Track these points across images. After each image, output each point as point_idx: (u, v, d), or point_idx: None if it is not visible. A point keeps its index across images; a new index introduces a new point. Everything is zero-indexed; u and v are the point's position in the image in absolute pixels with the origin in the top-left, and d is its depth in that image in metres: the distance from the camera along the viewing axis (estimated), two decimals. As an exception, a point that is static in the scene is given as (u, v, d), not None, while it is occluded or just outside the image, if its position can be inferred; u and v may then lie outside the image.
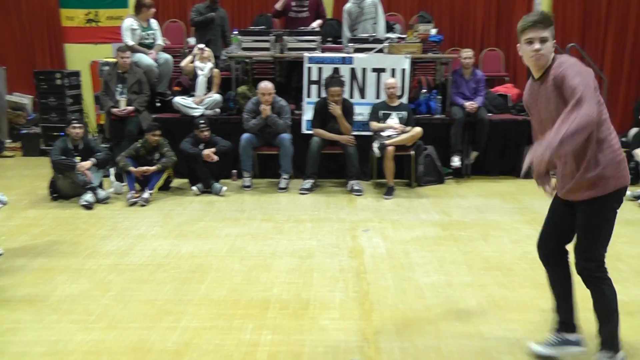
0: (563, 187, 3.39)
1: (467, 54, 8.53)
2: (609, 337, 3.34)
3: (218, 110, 8.55)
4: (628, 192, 7.21)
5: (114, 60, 8.56)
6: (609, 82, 11.31)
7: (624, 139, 9.22)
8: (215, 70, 8.66)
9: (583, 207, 3.27)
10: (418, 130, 7.64)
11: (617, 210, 3.26)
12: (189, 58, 8.63)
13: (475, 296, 4.44)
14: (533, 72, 3.25)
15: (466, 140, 8.47)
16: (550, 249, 3.51)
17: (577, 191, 3.26)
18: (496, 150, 8.58)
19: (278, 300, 4.38)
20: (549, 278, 3.56)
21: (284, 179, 7.91)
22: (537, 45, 3.10)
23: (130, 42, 8.60)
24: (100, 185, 7.36)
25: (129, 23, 8.74)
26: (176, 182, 7.98)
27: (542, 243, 3.54)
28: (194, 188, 7.62)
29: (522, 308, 4.25)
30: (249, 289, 4.58)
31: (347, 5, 9.18)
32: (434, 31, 9.62)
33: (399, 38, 9.03)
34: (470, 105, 8.25)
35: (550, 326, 3.63)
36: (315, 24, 9.27)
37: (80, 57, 11.41)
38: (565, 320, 3.55)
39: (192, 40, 9.84)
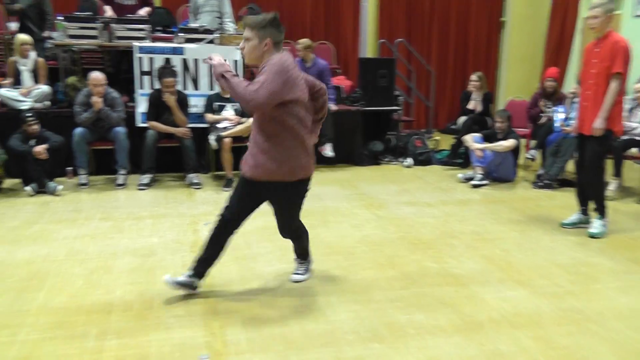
0: None
1: (303, 41, 8.75)
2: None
3: (48, 102, 8.11)
4: (460, 175, 7.85)
5: None
6: (436, 75, 12.06)
7: (453, 127, 9.84)
8: (40, 60, 8.19)
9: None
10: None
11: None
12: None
13: (319, 281, 4.57)
14: None
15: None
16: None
17: None
18: (333, 140, 8.77)
19: (121, 302, 4.26)
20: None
21: (121, 174, 7.68)
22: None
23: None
24: None
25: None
26: (7, 182, 7.54)
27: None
28: (28, 188, 7.20)
29: (363, 289, 4.42)
30: (90, 293, 4.41)
31: None
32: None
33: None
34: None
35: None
36: (143, 12, 9.07)
37: None
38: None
39: (13, 26, 9.22)
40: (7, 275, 4.77)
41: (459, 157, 8.93)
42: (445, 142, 9.80)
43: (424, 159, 9.09)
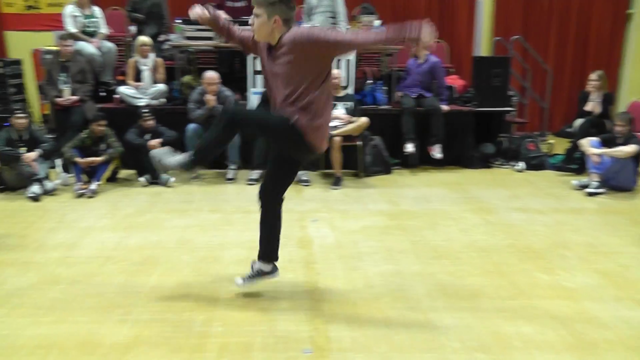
0: None
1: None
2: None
3: (163, 100, 8.45)
4: (574, 182, 7.49)
5: (56, 48, 8.37)
6: (553, 74, 11.60)
7: (569, 130, 9.46)
8: (158, 60, 8.56)
9: None
10: (364, 120, 7.69)
11: None
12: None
13: (424, 285, 4.49)
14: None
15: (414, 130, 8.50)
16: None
17: None
18: (443, 140, 8.62)
19: (228, 292, 4.35)
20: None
21: (232, 169, 7.87)
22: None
23: (72, 30, 8.45)
24: (47, 177, 7.21)
25: (70, 10, 8.58)
26: (123, 173, 7.87)
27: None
28: (141, 179, 7.53)
29: (470, 295, 4.31)
30: (198, 280, 4.55)
31: None
32: (377, 22, 9.66)
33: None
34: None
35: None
36: None
37: (21, 45, 11.07)
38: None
39: (132, 29, 9.64)
40: (121, 259, 5.01)
41: (574, 163, 8.53)
42: (559, 146, 9.40)
43: (536, 163, 8.77)
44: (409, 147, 8.27)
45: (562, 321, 3.92)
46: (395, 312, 4.04)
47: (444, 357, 3.46)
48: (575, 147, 8.42)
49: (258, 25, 3.67)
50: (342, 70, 8.23)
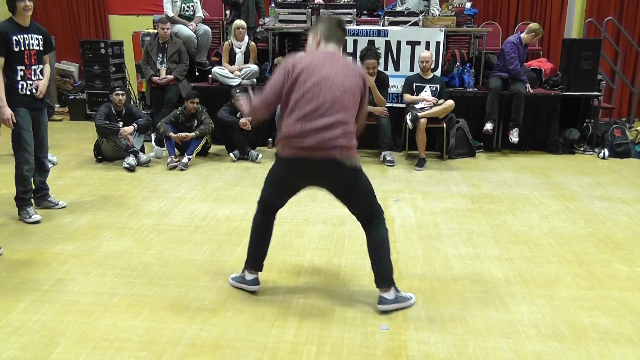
0: None
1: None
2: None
3: (255, 80, 8.55)
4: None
5: (155, 31, 8.59)
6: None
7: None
8: (252, 43, 8.67)
9: None
10: (450, 103, 7.57)
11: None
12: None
13: (502, 269, 4.42)
14: None
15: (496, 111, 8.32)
16: None
17: None
18: (527, 125, 8.42)
19: (310, 265, 4.42)
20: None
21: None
22: None
23: (171, 14, 8.63)
24: (142, 149, 7.48)
25: (170, -5, 8.77)
26: (214, 148, 8.05)
27: None
28: (231, 155, 7.69)
29: (547, 283, 4.21)
30: (282, 253, 4.63)
31: None
32: (468, 4, 9.47)
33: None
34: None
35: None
36: None
37: (123, 27, 11.56)
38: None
39: (228, 13, 9.78)
40: (210, 229, 5.16)
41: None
42: (647, 134, 9.04)
43: (622, 151, 8.43)
44: (488, 126, 8.13)
45: (641, 314, 3.79)
46: (472, 295, 3.99)
47: (519, 343, 3.39)
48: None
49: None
50: (432, 52, 8.11)
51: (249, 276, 3.98)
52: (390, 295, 3.72)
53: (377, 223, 3.73)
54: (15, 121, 5.02)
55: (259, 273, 4.00)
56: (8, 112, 4.92)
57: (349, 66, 3.67)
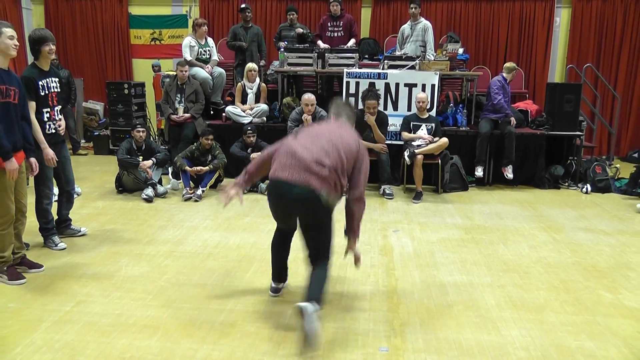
0: None
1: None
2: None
3: (265, 118, 8.57)
4: (639, 205, 7.11)
5: (174, 73, 8.64)
6: (621, 101, 11.11)
7: (635, 155, 8.99)
8: (262, 85, 8.73)
9: None
10: (445, 140, 7.57)
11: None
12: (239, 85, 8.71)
13: (494, 295, 4.36)
14: None
15: (488, 151, 8.35)
16: None
17: None
18: (516, 161, 8.37)
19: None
20: None
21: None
22: None
23: (189, 58, 8.72)
24: (160, 182, 7.45)
25: (188, 41, 8.89)
26: (226, 181, 8.00)
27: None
28: (242, 187, 7.65)
29: (537, 308, 4.15)
30: (289, 279, 4.56)
31: (403, 26, 9.36)
32: (461, 50, 9.58)
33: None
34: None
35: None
36: (351, 43, 9.39)
37: (145, 70, 11.75)
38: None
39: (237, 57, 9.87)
40: (221, 256, 5.11)
41: (639, 187, 8.14)
42: (625, 170, 8.99)
43: (603, 186, 8.39)
44: (479, 172, 8.21)
45: (624, 339, 3.72)
46: (466, 320, 3.93)
47: (511, 364, 3.33)
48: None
49: None
50: (427, 93, 8.12)
51: (273, 285, 4.25)
52: (311, 308, 3.38)
53: (323, 264, 3.71)
54: (57, 160, 5.02)
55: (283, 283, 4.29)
56: (50, 152, 4.91)
57: (350, 131, 3.85)
